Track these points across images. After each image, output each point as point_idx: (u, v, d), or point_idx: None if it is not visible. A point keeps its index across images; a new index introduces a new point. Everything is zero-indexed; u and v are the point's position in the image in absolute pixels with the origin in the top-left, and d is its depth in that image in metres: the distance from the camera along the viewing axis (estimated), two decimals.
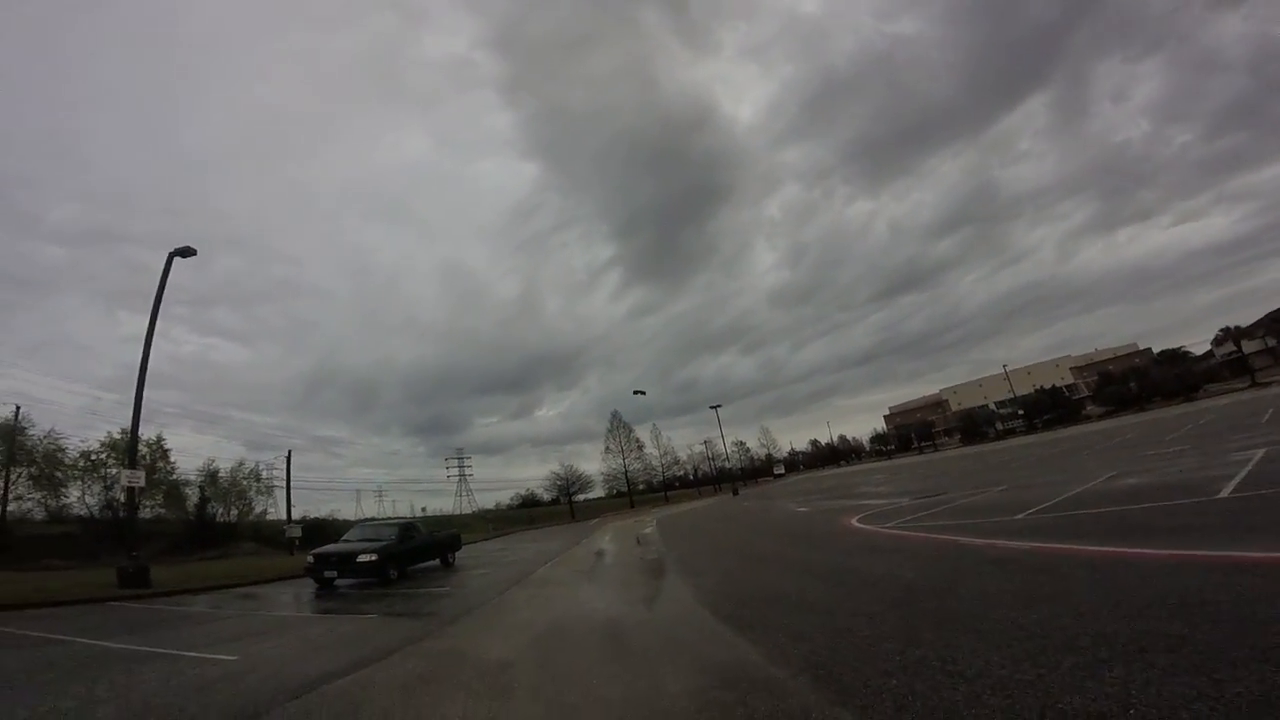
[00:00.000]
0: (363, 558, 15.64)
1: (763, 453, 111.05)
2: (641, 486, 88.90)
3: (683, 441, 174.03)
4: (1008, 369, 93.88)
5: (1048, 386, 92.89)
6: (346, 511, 70.83)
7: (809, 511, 21.48)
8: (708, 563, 12.78)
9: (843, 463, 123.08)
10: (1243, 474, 10.22)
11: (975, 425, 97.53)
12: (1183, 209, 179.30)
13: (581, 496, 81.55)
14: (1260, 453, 12.73)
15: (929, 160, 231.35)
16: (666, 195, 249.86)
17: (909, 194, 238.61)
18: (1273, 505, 7.32)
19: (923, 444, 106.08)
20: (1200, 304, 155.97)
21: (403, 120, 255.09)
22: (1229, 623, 3.90)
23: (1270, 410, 24.87)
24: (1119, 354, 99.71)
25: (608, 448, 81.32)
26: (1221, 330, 73.83)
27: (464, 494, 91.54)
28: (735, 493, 62.36)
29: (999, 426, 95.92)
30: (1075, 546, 7.18)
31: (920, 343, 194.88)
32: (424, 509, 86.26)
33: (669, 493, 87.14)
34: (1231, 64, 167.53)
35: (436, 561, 20.12)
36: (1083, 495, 11.99)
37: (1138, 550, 6.36)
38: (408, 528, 18.98)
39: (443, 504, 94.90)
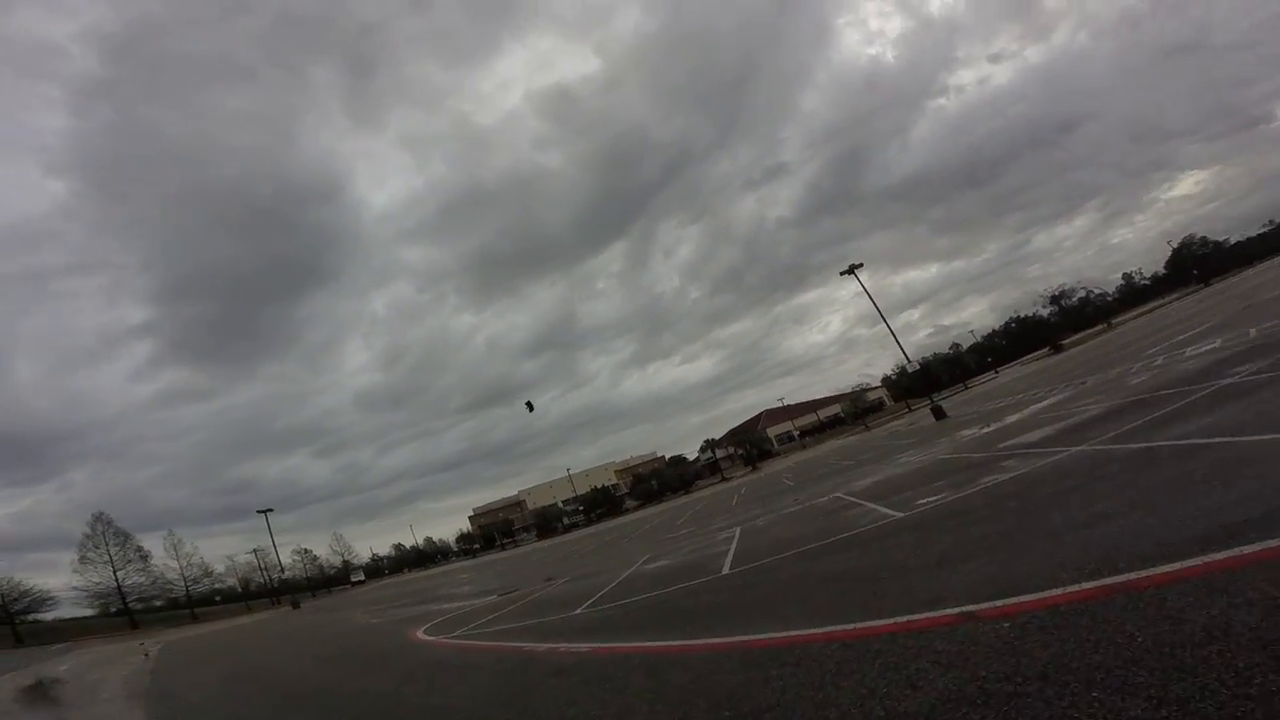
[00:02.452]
0: None
1: (338, 559, 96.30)
2: (160, 603, 67.36)
3: (229, 549, 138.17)
4: (570, 472, 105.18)
5: (599, 486, 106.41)
6: None
7: (378, 623, 18.76)
8: (215, 711, 8.62)
9: (430, 565, 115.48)
10: (732, 550, 11.68)
11: (548, 521, 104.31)
12: (688, 351, 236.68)
13: (51, 615, 57.20)
14: (737, 530, 15.23)
15: (532, 286, 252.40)
16: (252, 263, 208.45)
17: (509, 314, 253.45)
18: (762, 578, 8.01)
19: (504, 541, 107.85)
20: (694, 422, 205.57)
21: None
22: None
23: (735, 497, 32.12)
24: (645, 460, 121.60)
25: (84, 557, 59.74)
26: (705, 441, 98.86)
27: None
28: (296, 605, 51.58)
29: (565, 521, 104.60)
30: (628, 645, 6.51)
31: (504, 450, 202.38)
32: None
33: (199, 610, 67.48)
34: (736, 238, 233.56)
35: None
36: (629, 580, 12.30)
37: (678, 644, 5.93)
38: None
39: None
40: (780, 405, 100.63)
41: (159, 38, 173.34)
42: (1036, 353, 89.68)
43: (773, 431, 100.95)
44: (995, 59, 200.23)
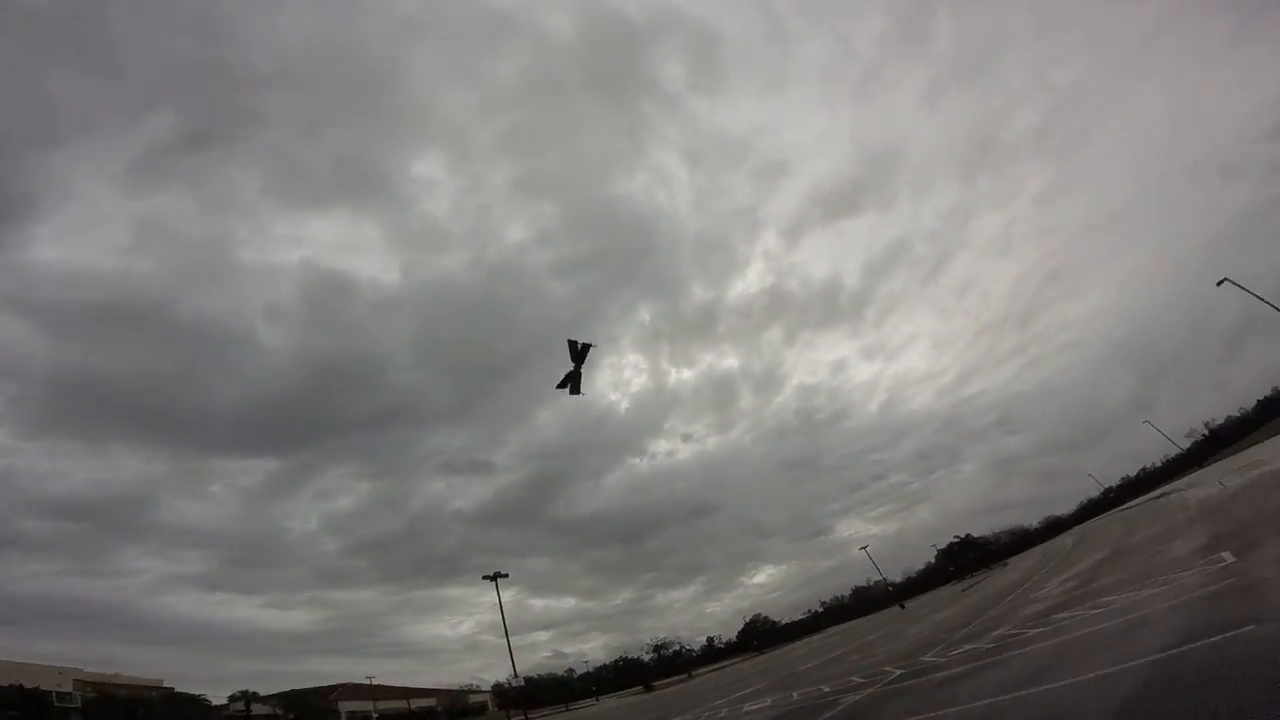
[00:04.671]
0: None
1: None
2: None
3: None
4: None
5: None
6: None
7: None
8: None
9: None
10: None
11: None
12: (279, 596, 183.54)
13: None
14: None
15: (119, 445, 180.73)
16: None
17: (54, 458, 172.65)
18: None
19: None
20: (243, 668, 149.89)
21: None
22: None
23: None
24: (139, 683, 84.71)
25: None
26: (241, 691, 76.42)
27: None
28: None
29: None
30: None
31: None
32: None
33: None
34: (406, 510, 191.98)
35: None
36: None
37: None
38: None
39: None
40: (368, 682, 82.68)
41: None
42: (633, 689, 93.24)
43: (347, 707, 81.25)
44: (687, 438, 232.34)
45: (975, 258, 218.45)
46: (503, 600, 40.22)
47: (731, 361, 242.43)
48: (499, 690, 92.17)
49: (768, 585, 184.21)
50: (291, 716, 65.45)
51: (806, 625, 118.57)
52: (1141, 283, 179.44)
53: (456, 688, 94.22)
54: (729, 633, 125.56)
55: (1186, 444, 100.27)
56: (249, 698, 71.81)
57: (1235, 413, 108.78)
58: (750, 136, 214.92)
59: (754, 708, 16.86)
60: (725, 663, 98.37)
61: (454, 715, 75.90)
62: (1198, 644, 5.57)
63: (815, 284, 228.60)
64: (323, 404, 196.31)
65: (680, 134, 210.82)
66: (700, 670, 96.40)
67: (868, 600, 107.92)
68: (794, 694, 16.77)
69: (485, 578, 40.29)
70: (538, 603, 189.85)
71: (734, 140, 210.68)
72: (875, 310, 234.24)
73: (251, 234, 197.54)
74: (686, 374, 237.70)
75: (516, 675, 46.20)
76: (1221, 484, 31.26)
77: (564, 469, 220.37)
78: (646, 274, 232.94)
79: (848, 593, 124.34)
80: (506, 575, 40.66)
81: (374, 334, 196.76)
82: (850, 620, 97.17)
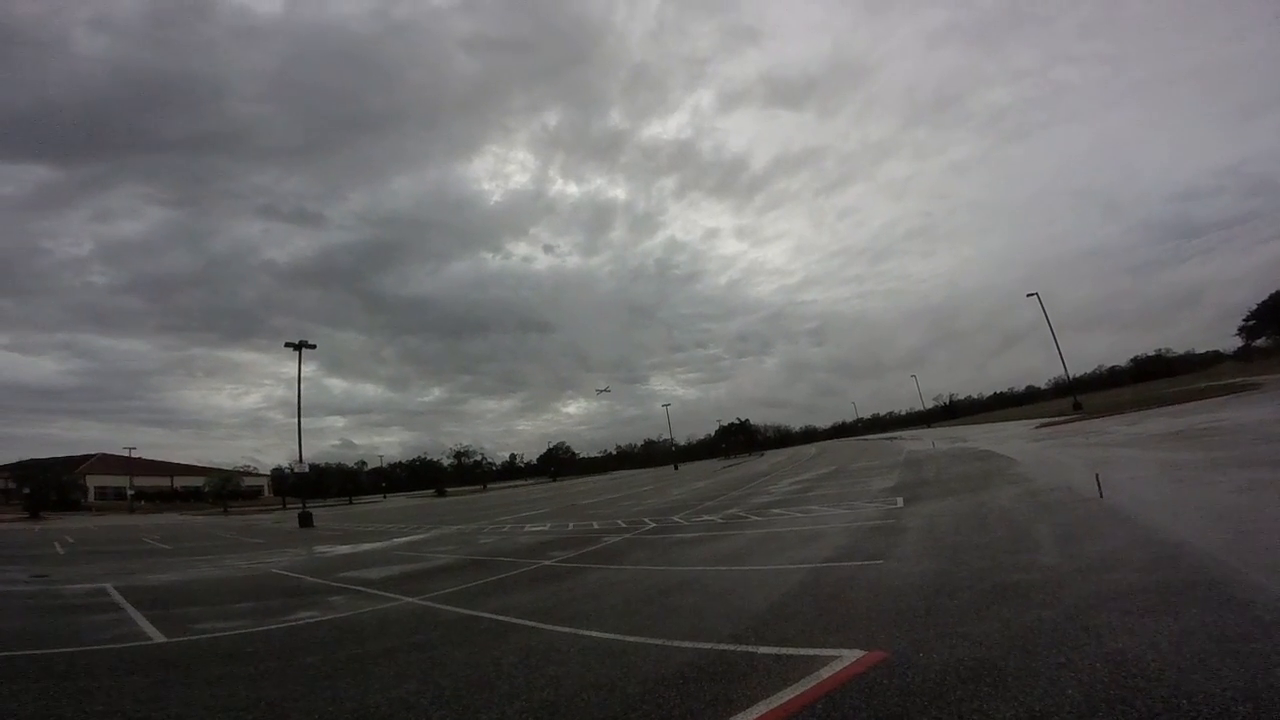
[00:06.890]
0: None
1: None
2: None
3: None
4: None
5: None
6: None
7: None
8: None
9: None
10: None
11: None
12: (27, 337, 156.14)
13: None
14: None
15: None
16: None
17: None
18: None
19: None
20: None
21: None
22: None
23: None
24: None
25: None
26: None
27: None
28: None
29: None
30: None
31: None
32: None
33: None
34: (206, 251, 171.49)
35: None
36: None
37: None
38: None
39: None
40: (126, 454, 75.12)
41: None
42: (426, 491, 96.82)
43: (97, 481, 74.34)
44: (548, 249, 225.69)
45: (870, 192, 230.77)
46: (298, 373, 37.13)
47: (619, 193, 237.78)
48: (278, 475, 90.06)
49: (577, 417, 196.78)
50: (26, 491, 58.10)
51: (599, 463, 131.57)
52: (979, 266, 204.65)
53: (230, 468, 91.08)
54: (532, 454, 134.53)
55: (930, 404, 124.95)
56: None
57: (975, 395, 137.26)
58: None
59: (534, 529, 18.83)
60: (521, 482, 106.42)
61: (222, 497, 73.38)
62: (843, 563, 7.39)
63: (726, 155, 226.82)
64: (129, 116, 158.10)
65: None
66: (496, 485, 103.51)
67: (653, 454, 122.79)
68: (570, 524, 18.88)
69: (288, 345, 35.51)
70: (337, 384, 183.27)
71: None
72: (764, 199, 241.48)
73: None
74: (572, 189, 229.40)
75: (302, 461, 43.34)
76: (933, 444, 39.31)
77: (406, 242, 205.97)
78: (569, 81, 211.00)
79: (640, 442, 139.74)
80: (314, 346, 36.73)
81: (222, 59, 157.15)
82: (634, 469, 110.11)
